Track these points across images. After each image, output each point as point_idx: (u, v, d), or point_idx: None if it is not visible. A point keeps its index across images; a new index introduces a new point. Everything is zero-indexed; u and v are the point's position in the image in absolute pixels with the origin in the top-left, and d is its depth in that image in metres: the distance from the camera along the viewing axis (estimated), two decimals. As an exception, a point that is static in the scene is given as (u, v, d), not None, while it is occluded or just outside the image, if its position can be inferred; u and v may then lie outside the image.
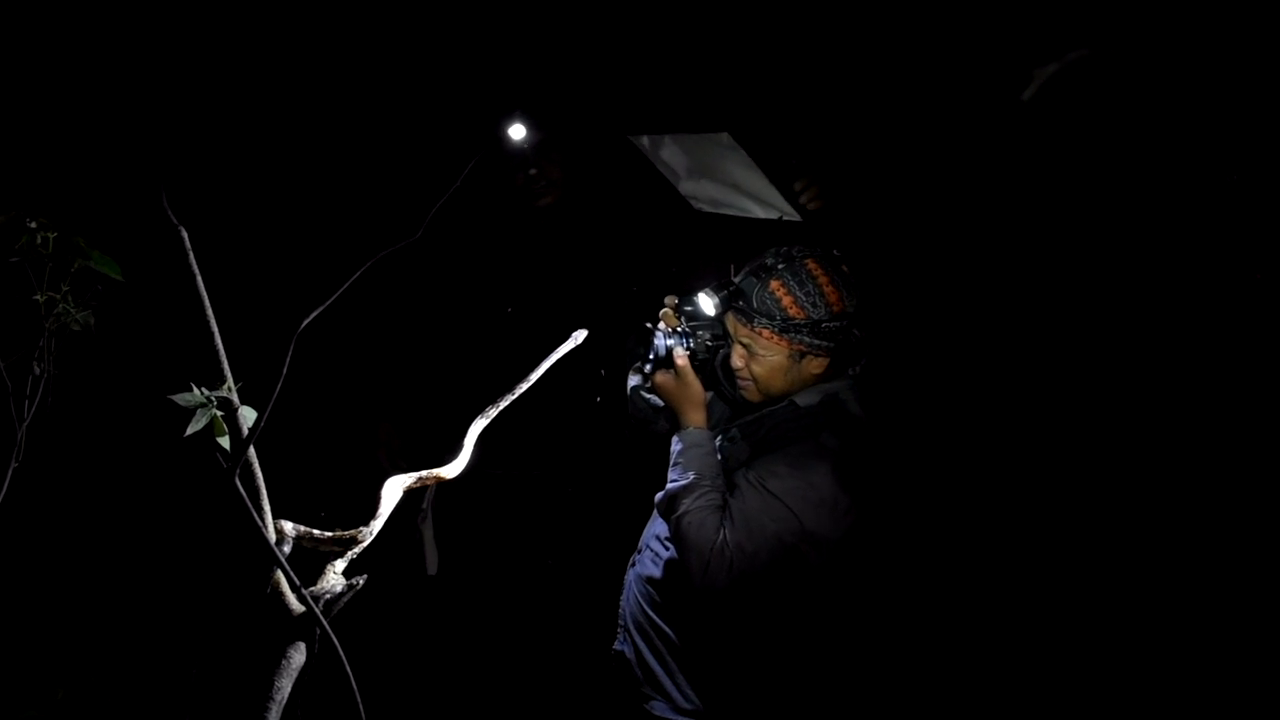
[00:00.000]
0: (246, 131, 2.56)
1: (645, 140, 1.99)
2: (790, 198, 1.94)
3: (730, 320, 1.83)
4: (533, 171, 2.51)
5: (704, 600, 1.75)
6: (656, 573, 1.90)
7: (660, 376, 1.89)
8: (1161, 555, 2.04)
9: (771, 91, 2.30)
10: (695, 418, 1.87)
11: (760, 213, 1.90)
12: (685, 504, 1.75)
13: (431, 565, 2.65)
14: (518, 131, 2.38)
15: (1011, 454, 2.22)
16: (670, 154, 2.00)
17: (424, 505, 2.63)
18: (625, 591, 2.03)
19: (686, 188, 2.09)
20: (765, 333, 1.76)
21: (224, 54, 2.32)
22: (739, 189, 1.89)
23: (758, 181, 1.81)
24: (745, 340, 1.81)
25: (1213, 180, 1.91)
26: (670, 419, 1.93)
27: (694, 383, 1.87)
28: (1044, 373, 2.18)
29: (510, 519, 2.68)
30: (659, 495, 1.86)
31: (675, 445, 1.86)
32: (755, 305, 1.76)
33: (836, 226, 1.89)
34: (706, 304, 1.86)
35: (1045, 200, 2.10)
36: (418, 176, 2.38)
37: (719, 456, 1.85)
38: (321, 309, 1.18)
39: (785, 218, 1.83)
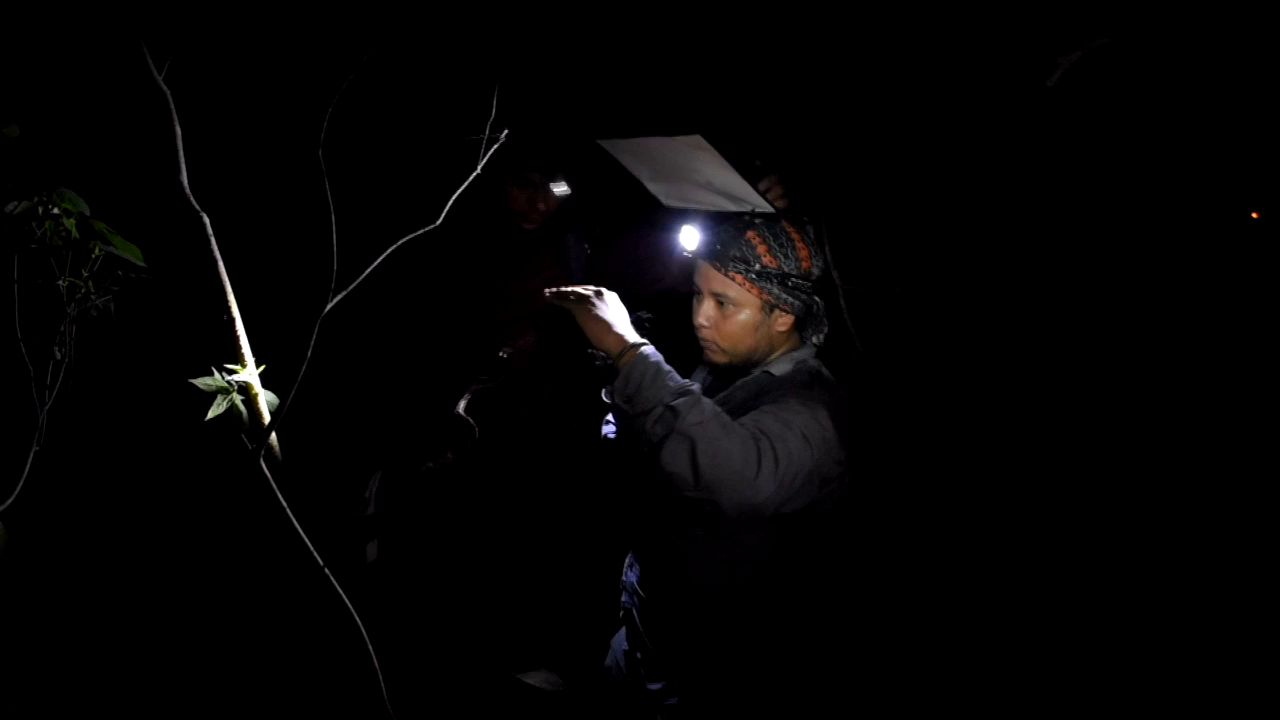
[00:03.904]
0: (267, 118, 2.57)
1: (613, 142, 2.01)
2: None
3: (703, 271, 1.84)
4: (541, 207, 2.58)
5: (750, 513, 1.60)
6: (658, 551, 1.92)
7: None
8: (1149, 536, 2.05)
9: (738, 92, 2.31)
10: (631, 336, 1.73)
11: (732, 207, 1.92)
12: (705, 412, 1.59)
13: (371, 553, 2.64)
14: (555, 181, 2.47)
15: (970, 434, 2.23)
16: (640, 155, 2.03)
17: (366, 494, 2.63)
18: (627, 569, 2.07)
19: (656, 186, 2.12)
20: (738, 278, 1.79)
21: (243, 40, 2.33)
22: (710, 186, 1.92)
23: (730, 178, 1.85)
24: (717, 289, 1.82)
25: (1223, 179, 1.91)
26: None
27: (614, 302, 1.78)
28: (1028, 370, 2.19)
29: (508, 499, 2.69)
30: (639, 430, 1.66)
31: (638, 366, 1.67)
32: (731, 252, 1.79)
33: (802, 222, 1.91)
34: (689, 237, 1.88)
35: (1022, 192, 2.11)
36: (435, 164, 2.39)
37: None
38: (344, 294, 1.20)
39: (758, 210, 1.86)
